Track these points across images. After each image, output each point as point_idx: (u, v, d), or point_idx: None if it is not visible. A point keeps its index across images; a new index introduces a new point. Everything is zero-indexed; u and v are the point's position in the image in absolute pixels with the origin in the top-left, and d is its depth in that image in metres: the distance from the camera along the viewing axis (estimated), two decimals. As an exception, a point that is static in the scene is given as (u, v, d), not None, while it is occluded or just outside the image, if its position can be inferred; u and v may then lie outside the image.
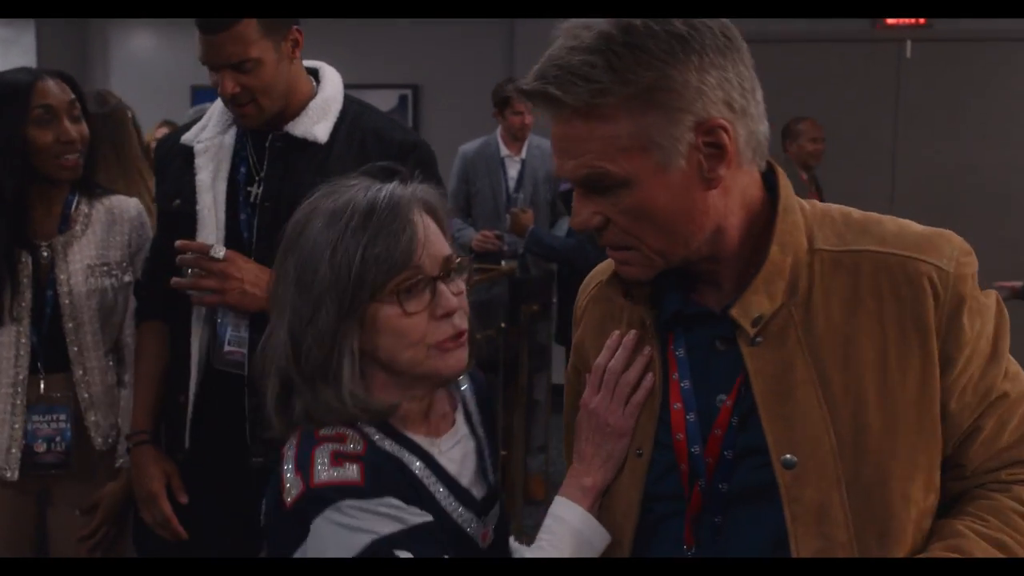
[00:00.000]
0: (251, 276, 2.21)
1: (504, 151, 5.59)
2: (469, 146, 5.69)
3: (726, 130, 1.25)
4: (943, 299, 1.30)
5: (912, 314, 1.29)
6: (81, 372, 2.55)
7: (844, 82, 6.73)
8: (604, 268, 1.54)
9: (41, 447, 2.51)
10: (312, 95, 2.31)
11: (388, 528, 1.32)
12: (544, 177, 5.53)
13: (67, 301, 2.51)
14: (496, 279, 5.14)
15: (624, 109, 1.23)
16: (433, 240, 1.41)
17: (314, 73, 2.37)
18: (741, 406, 1.33)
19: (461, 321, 1.42)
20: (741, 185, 1.32)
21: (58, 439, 2.53)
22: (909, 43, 6.79)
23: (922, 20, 6.75)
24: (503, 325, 4.84)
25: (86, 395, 2.56)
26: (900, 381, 1.29)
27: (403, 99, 7.51)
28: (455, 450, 1.49)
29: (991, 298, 1.36)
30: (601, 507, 1.46)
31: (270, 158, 2.29)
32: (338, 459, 1.36)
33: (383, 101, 7.47)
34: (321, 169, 2.21)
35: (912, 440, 1.29)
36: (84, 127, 2.53)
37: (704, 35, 1.24)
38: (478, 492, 1.50)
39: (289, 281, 1.40)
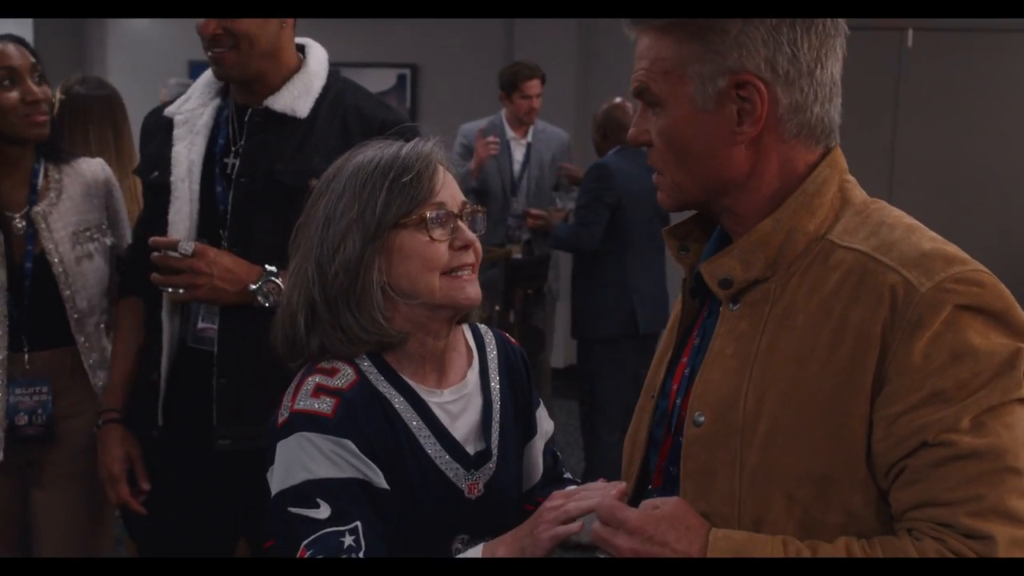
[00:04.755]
0: (221, 271, 2.18)
1: (510, 133, 5.57)
2: (471, 125, 5.66)
3: (759, 89, 1.27)
4: (900, 315, 1.20)
5: (859, 320, 1.22)
6: (83, 339, 2.54)
7: (845, 71, 6.68)
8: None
9: (23, 419, 2.49)
10: (297, 70, 2.28)
11: (325, 472, 1.47)
12: (550, 161, 5.52)
13: (60, 270, 2.50)
14: (492, 262, 5.13)
15: (673, 34, 1.29)
16: (453, 184, 1.61)
17: (301, 49, 2.33)
18: None
19: (475, 256, 1.61)
20: (782, 156, 1.32)
21: (39, 411, 2.51)
22: (911, 32, 6.76)
23: (924, 10, 6.72)
24: (497, 308, 4.83)
25: (91, 360, 2.55)
26: (816, 381, 1.23)
27: (401, 79, 7.47)
28: (456, 403, 1.63)
29: (996, 347, 1.19)
30: (624, 446, 1.53)
31: (248, 132, 2.25)
32: (318, 392, 1.53)
33: (381, 81, 7.43)
34: (300, 145, 2.21)
35: (810, 443, 1.23)
36: (47, 89, 2.51)
37: None
38: (472, 447, 1.62)
39: (319, 220, 1.57)
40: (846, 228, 1.30)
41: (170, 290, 2.23)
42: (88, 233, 2.56)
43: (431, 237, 1.55)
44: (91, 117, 3.40)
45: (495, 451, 1.64)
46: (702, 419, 1.31)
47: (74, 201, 2.56)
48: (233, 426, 2.21)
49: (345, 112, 2.25)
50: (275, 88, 2.24)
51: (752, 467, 1.26)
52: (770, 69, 1.27)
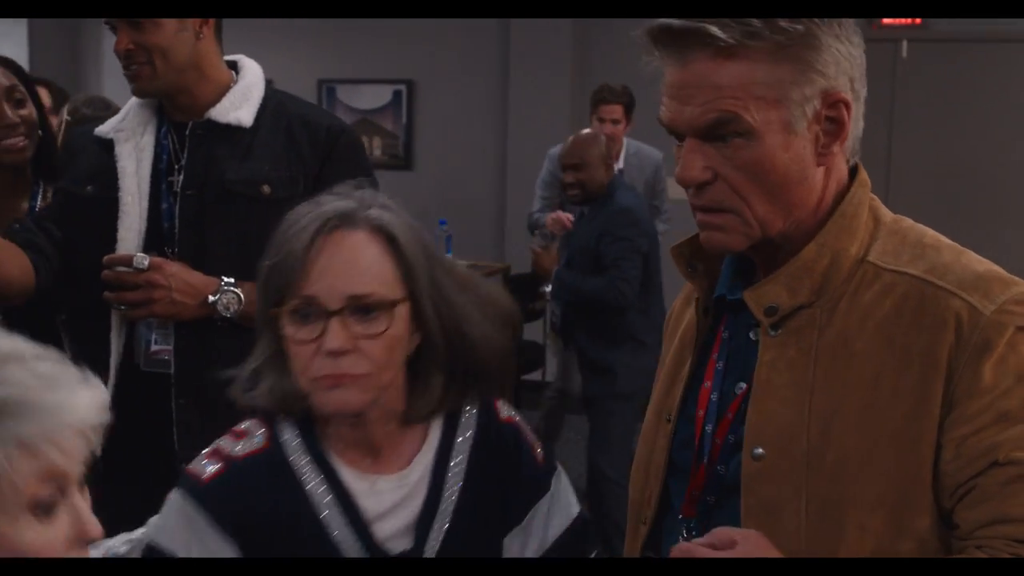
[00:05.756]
0: (179, 283, 2.10)
1: None
2: (560, 149, 5.43)
3: (848, 107, 1.26)
4: (965, 339, 1.21)
5: (925, 346, 1.22)
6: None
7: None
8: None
9: None
10: (232, 83, 2.25)
11: (161, 537, 1.37)
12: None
13: None
14: (490, 276, 5.12)
15: (768, 56, 1.22)
16: (342, 272, 1.32)
17: (233, 66, 2.31)
18: None
19: (350, 364, 1.31)
20: (838, 176, 1.31)
21: None
22: (905, 43, 6.77)
23: (918, 20, 6.74)
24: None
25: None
26: (886, 408, 1.23)
27: (397, 94, 7.47)
28: (391, 494, 1.40)
29: None
30: (633, 468, 1.48)
31: (191, 146, 2.20)
32: (214, 453, 1.41)
33: (377, 97, 7.44)
34: (246, 155, 2.18)
35: (882, 471, 1.22)
36: (29, 111, 2.48)
37: None
38: (396, 544, 1.39)
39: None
40: (885, 250, 1.29)
41: (123, 308, 2.14)
42: None
43: (291, 337, 1.33)
44: None
45: (428, 553, 1.39)
46: (761, 452, 1.28)
47: None
48: (196, 448, 2.12)
49: (289, 121, 2.23)
50: (209, 102, 2.21)
51: (821, 499, 1.24)
52: (850, 86, 1.26)
